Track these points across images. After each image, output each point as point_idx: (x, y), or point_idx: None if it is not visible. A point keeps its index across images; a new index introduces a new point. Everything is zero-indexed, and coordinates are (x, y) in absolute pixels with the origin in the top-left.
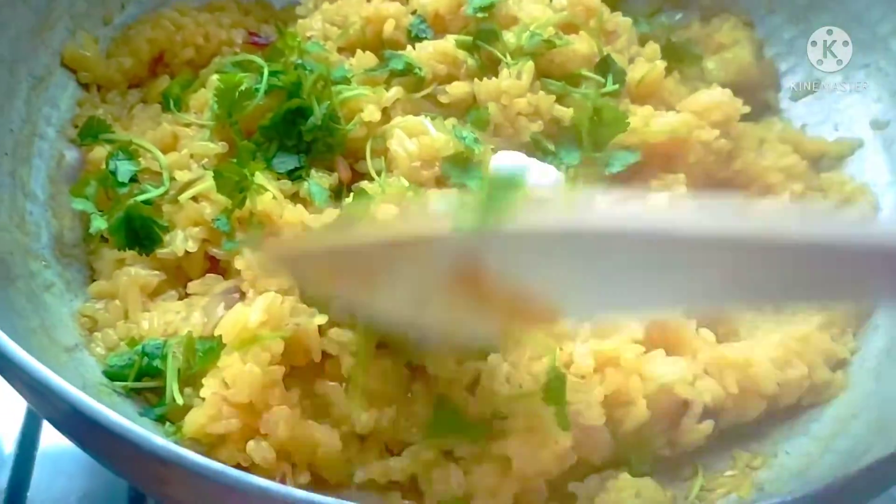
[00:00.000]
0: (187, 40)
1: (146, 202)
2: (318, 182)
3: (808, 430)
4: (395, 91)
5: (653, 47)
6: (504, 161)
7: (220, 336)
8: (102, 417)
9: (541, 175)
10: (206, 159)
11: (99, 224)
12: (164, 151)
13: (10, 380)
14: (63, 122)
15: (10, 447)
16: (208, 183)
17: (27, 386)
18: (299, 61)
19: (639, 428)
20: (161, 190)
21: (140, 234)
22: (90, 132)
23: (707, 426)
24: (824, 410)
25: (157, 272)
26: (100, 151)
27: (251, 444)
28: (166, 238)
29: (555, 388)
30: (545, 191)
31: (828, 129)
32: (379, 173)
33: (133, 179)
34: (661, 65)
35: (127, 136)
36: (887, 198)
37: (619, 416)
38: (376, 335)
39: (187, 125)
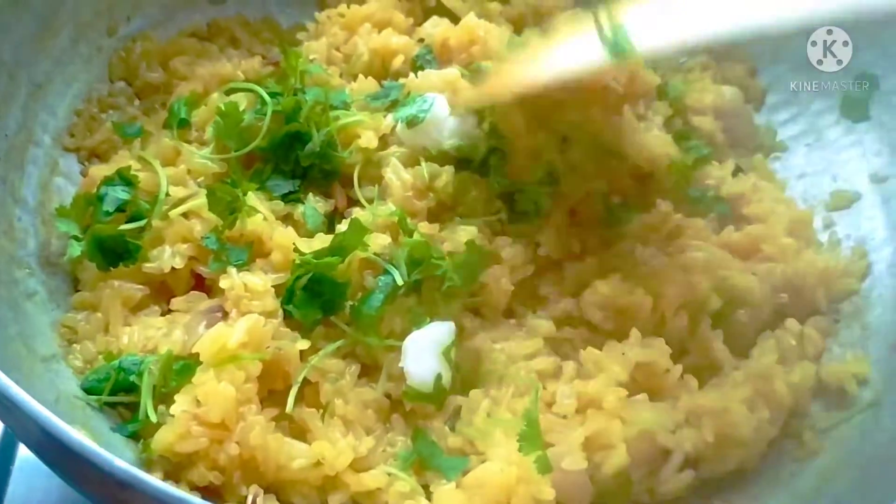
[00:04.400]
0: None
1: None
2: (313, 206)
3: (790, 485)
4: (394, 117)
5: None
6: None
7: (197, 354)
8: (61, 434)
9: None
10: (202, 177)
11: (74, 251)
12: (164, 165)
13: None
14: (59, 129)
15: None
16: (200, 200)
17: None
18: (299, 85)
19: (618, 472)
20: (139, 224)
21: (117, 251)
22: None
23: (687, 476)
24: (806, 465)
25: (141, 286)
26: (100, 170)
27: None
28: (153, 253)
29: (529, 435)
30: None
31: (826, 179)
32: (371, 201)
33: (120, 209)
34: None
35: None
36: (882, 252)
37: (599, 460)
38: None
39: (189, 141)
